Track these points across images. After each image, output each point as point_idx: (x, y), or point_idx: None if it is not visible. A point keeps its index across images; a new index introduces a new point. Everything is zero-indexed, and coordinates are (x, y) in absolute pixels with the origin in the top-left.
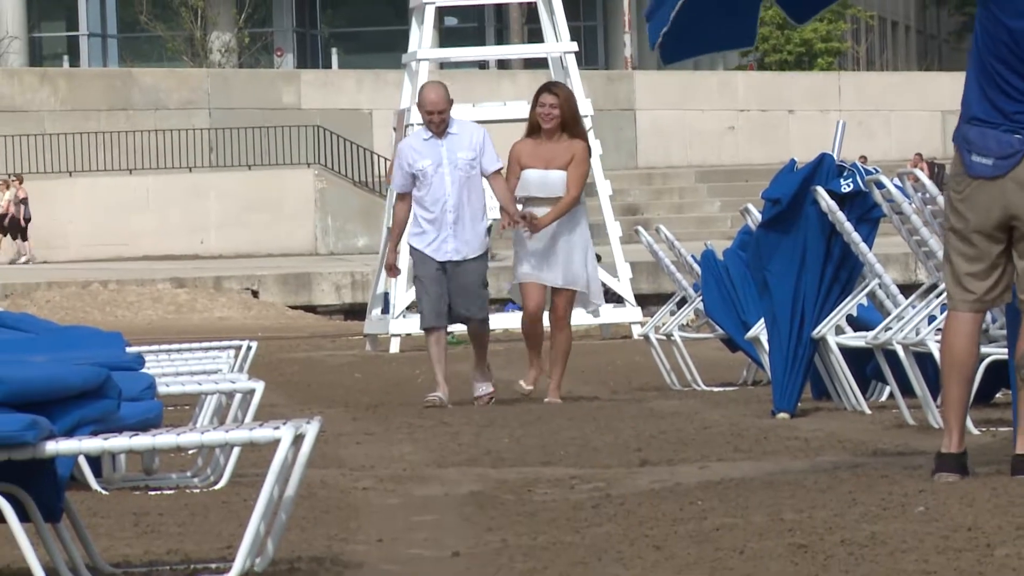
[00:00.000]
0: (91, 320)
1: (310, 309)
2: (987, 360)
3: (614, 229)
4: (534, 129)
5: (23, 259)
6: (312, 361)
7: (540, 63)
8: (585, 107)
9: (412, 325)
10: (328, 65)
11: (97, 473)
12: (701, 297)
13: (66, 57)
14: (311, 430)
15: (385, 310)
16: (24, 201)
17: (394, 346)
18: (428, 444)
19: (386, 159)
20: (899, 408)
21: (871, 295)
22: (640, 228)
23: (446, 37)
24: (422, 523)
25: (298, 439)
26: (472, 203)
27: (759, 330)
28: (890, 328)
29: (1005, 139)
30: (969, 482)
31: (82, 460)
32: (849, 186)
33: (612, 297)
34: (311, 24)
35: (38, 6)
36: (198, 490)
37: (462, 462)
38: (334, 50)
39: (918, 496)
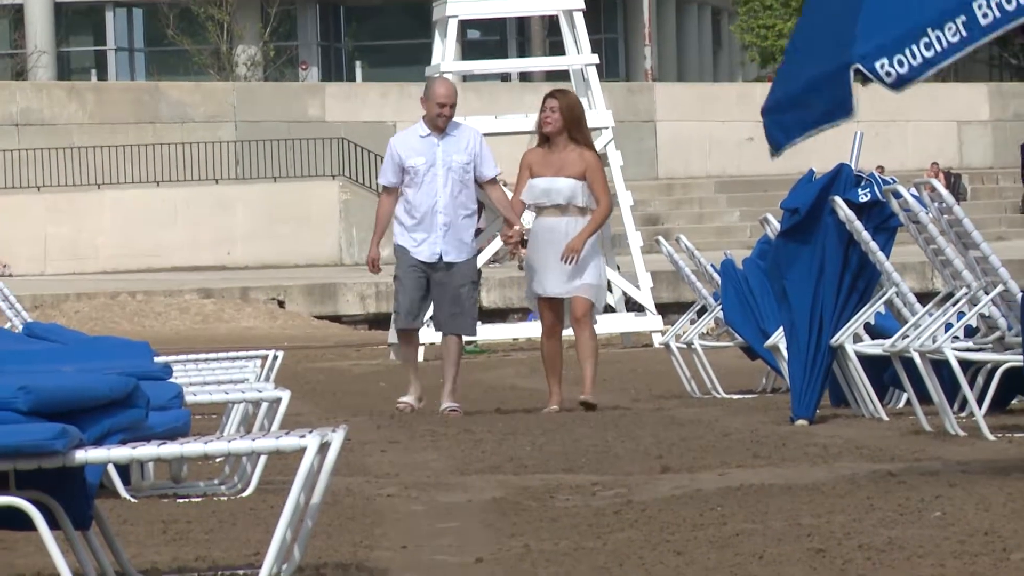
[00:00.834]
0: (119, 330)
1: (335, 319)
2: (1003, 367)
3: (635, 239)
4: (544, 138)
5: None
6: (337, 370)
7: (562, 75)
8: (606, 118)
9: (436, 334)
10: (352, 78)
11: (126, 481)
12: (721, 306)
13: (94, 71)
14: (336, 438)
15: None
16: None
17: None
18: (451, 452)
19: None
20: (916, 415)
21: (888, 303)
22: (660, 238)
23: (469, 50)
24: (446, 529)
25: (324, 447)
26: (463, 207)
27: (778, 338)
28: (907, 336)
29: None
30: (985, 487)
31: (111, 468)
32: (867, 196)
33: (633, 306)
34: (335, 38)
35: (66, 21)
36: (225, 498)
37: (485, 469)
38: (358, 63)
39: (935, 501)
